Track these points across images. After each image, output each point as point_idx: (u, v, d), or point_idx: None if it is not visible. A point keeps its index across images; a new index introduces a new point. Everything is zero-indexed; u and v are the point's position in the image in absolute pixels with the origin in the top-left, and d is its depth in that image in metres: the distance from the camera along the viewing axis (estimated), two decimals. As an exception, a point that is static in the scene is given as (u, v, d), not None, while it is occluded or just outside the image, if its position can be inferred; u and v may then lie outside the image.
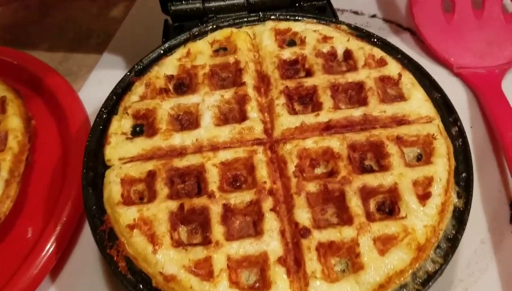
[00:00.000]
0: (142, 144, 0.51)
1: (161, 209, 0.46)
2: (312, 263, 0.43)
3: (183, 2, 0.64)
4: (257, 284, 0.44)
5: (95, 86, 0.72)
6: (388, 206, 0.47)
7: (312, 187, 0.47)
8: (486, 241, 0.57)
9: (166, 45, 0.60)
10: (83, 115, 0.66)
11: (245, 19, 0.62)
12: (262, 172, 0.48)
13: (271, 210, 0.46)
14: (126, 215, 0.46)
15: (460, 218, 0.47)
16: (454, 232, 0.46)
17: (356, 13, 0.80)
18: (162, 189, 0.48)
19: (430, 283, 0.43)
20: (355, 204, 0.46)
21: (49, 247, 0.54)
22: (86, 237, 0.59)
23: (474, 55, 0.71)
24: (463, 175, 0.49)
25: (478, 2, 0.73)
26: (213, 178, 0.48)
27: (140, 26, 0.79)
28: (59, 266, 0.57)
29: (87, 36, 0.80)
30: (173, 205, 0.47)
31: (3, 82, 0.66)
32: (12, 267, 0.54)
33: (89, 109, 0.67)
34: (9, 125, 0.61)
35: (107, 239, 0.47)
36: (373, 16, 0.79)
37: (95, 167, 0.51)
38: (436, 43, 0.72)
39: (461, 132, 0.52)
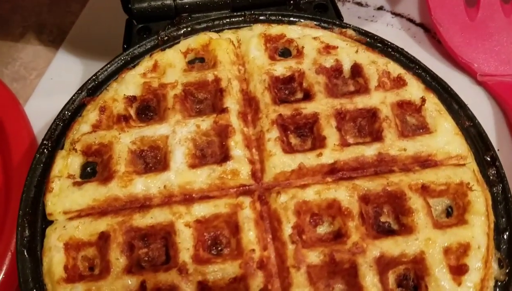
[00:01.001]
0: (93, 192, 0.40)
1: (115, 289, 0.35)
2: None
3: (150, -2, 0.51)
4: None
5: (45, 96, 0.59)
6: (412, 280, 0.37)
7: (314, 257, 0.36)
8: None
9: (127, 54, 0.48)
10: (29, 138, 0.54)
11: (227, 20, 0.50)
12: (250, 236, 0.37)
13: (262, 290, 0.35)
14: (70, 298, 0.35)
15: (504, 294, 0.36)
16: (496, 315, 0.36)
17: (360, 4, 0.68)
18: (118, 259, 0.37)
19: None
20: (370, 282, 0.35)
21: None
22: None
23: (501, 60, 0.60)
24: (505, 235, 0.39)
25: (507, -4, 0.62)
26: (185, 243, 0.37)
27: (100, 21, 0.65)
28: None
29: (37, 31, 0.66)
30: (132, 282, 0.36)
31: None
32: None
33: (38, 126, 0.55)
34: None
35: (47, 326, 0.36)
36: (380, 8, 0.67)
37: (34, 221, 0.40)
38: (457, 44, 0.61)
39: (500, 176, 0.41)
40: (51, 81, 0.61)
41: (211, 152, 0.43)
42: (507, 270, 0.37)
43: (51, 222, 0.39)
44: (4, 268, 0.45)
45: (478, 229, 0.37)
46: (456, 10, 0.62)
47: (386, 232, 0.38)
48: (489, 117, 0.58)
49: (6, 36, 0.66)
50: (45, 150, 0.43)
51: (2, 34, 0.66)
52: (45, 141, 0.44)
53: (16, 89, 0.60)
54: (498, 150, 0.55)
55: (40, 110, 0.56)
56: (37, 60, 0.64)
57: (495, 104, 0.59)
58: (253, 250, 0.37)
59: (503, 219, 0.40)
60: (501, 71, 0.60)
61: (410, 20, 0.66)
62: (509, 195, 0.40)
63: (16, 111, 0.56)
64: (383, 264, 0.36)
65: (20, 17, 0.68)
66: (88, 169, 0.42)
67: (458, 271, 0.36)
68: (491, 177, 0.41)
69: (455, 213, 0.39)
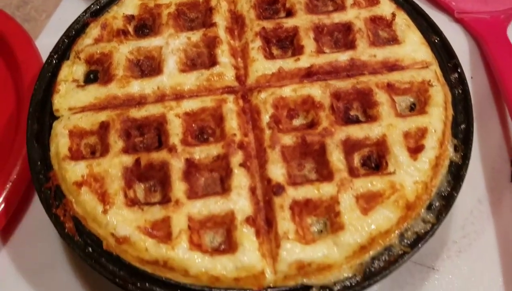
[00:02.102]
0: (95, 92, 0.45)
1: (114, 164, 0.40)
2: (284, 223, 0.37)
3: None
4: (222, 247, 0.38)
5: (54, 33, 0.64)
6: (375, 160, 0.41)
7: (288, 139, 0.41)
8: (483, 200, 0.52)
9: (128, -18, 0.53)
10: (39, 65, 0.59)
11: (219, -45, 0.55)
12: (232, 123, 0.42)
13: (241, 165, 0.40)
14: (74, 171, 0.40)
15: (457, 173, 0.41)
16: (449, 189, 0.40)
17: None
18: (116, 142, 0.42)
19: (419, 245, 0.38)
20: (336, 158, 0.40)
21: (-3, 208, 0.49)
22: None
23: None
24: (462, 126, 0.43)
25: None
26: (175, 129, 0.42)
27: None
28: (10, 229, 0.51)
29: (47, -22, 0.72)
30: (128, 159, 0.41)
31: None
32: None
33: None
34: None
35: (53, 198, 0.41)
36: (367, -42, 0.71)
37: (42, 118, 0.45)
38: (437, -15, 0.65)
39: (461, 79, 0.46)
40: (59, 21, 0.66)
41: (200, 61, 0.47)
42: (462, 154, 0.42)
43: (57, 118, 0.45)
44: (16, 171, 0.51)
45: (435, 117, 0.42)
46: (436, -45, 0.66)
47: (353, 122, 0.43)
48: (465, 49, 0.62)
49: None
50: (53, 61, 0.48)
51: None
52: (52, 54, 0.49)
53: (27, 28, 0.65)
54: (472, 78, 0.60)
55: (49, 45, 0.61)
56: (46, 3, 0.69)
57: (471, 38, 0.63)
58: (235, 134, 0.41)
59: (462, 115, 0.44)
60: (477, 9, 0.64)
61: (395, -32, 0.70)
62: (468, 96, 0.45)
63: (27, 43, 0.61)
64: (349, 146, 0.41)
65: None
66: (91, 75, 0.47)
67: (416, 150, 0.41)
68: (453, 80, 0.46)
69: (417, 107, 0.44)
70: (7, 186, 0.50)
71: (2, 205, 0.49)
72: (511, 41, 0.60)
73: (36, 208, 0.53)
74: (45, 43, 0.63)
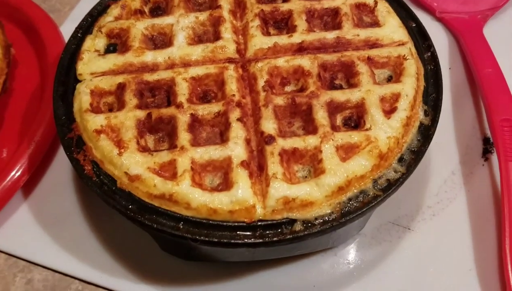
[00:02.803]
0: (114, 60, 0.51)
1: (128, 117, 0.47)
2: (274, 166, 0.43)
3: None
4: (220, 187, 0.44)
5: (76, 21, 0.71)
6: (355, 121, 0.47)
7: (280, 100, 0.47)
8: (456, 172, 0.58)
9: (145, -29, 0.60)
10: (62, 46, 0.66)
11: (226, -48, 0.62)
12: (232, 86, 0.48)
13: (238, 119, 0.46)
14: (94, 121, 0.47)
15: (426, 133, 0.47)
16: (419, 145, 0.46)
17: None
18: (131, 100, 0.48)
19: (390, 190, 0.43)
20: (321, 116, 0.46)
21: (22, 163, 0.55)
22: (60, 159, 0.59)
23: (457, 1, 0.71)
24: (433, 95, 0.49)
25: None
26: (182, 90, 0.48)
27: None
28: (32, 185, 0.57)
29: (71, -25, 0.79)
30: (141, 113, 0.47)
31: (-16, 13, 0.66)
32: (-15, 184, 0.55)
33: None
34: (-13, 50, 0.61)
35: (75, 145, 0.47)
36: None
37: (67, 81, 0.52)
38: (420, -12, 0.72)
39: (434, 57, 0.52)
40: (81, 12, 0.72)
41: (206, 37, 0.54)
42: (431, 118, 0.48)
43: (80, 81, 0.51)
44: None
45: (408, 85, 0.48)
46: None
47: (337, 88, 0.49)
48: (445, 44, 0.69)
49: (44, -21, 0.79)
50: (77, 35, 0.55)
51: (42, -23, 0.80)
52: (77, 29, 0.56)
53: (53, 18, 0.73)
54: (450, 68, 0.67)
55: (71, 31, 0.68)
56: (70, -2, 0.77)
57: (450, 35, 0.70)
58: (234, 95, 0.48)
59: (432, 87, 0.50)
60: (457, 9, 0.71)
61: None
62: (439, 71, 0.51)
63: (52, 28, 0.68)
64: (333, 107, 0.47)
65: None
66: (111, 47, 0.54)
67: (390, 111, 0.47)
68: (426, 58, 0.52)
69: (393, 79, 0.50)
70: (31, 145, 0.57)
71: (26, 163, 0.56)
72: (485, 38, 0.67)
73: (55, 168, 0.59)
74: (67, 30, 0.70)
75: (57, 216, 0.55)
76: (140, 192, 0.44)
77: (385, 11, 0.54)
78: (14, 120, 0.61)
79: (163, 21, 0.54)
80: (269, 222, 0.42)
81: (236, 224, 0.42)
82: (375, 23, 0.54)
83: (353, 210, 0.43)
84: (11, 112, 0.62)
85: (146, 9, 0.56)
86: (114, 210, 0.44)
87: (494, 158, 0.58)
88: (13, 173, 0.55)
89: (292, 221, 0.43)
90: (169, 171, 0.44)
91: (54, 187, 0.57)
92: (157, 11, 0.57)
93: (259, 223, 0.43)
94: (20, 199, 0.56)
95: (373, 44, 0.52)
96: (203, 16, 0.54)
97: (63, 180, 0.58)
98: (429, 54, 0.52)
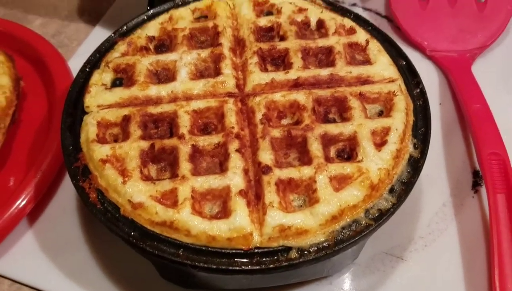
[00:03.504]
0: (120, 93, 0.54)
1: (133, 147, 0.49)
2: (271, 195, 0.45)
3: (169, -26, 0.68)
4: (219, 215, 0.46)
5: (83, 56, 0.74)
6: (347, 153, 0.50)
7: (276, 132, 0.50)
8: (447, 204, 0.60)
9: (150, 12, 0.64)
10: (70, 80, 0.69)
11: (227, -7, 0.66)
12: (231, 119, 0.51)
13: (237, 150, 0.49)
14: (100, 151, 0.49)
15: (415, 165, 0.49)
16: (409, 177, 0.48)
17: (337, 1, 0.84)
18: (136, 131, 0.51)
19: (382, 220, 0.45)
20: (315, 148, 0.48)
21: (28, 192, 0.57)
22: (65, 187, 0.62)
23: (446, 39, 0.75)
24: (422, 129, 0.52)
25: (452, -10, 0.78)
26: (184, 123, 0.51)
27: (131, 7, 0.83)
28: (38, 212, 0.59)
29: (79, 14, 0.84)
30: (145, 144, 0.49)
31: (-4, 47, 0.70)
32: (-9, 212, 0.57)
33: (77, 77, 0.70)
34: (-2, 83, 0.64)
35: (81, 174, 0.49)
36: (353, 4, 0.83)
37: (75, 113, 0.54)
38: (411, 28, 0.76)
39: (423, 94, 0.55)
40: (88, 47, 0.76)
41: (207, 73, 0.57)
42: (420, 151, 0.50)
43: (87, 113, 0.54)
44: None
45: (398, 119, 0.50)
46: (411, 3, 0.77)
47: (331, 122, 0.52)
48: (435, 80, 0.72)
49: (54, 16, 0.83)
50: (85, 69, 0.58)
51: (51, 15, 0.83)
52: (86, 64, 0.59)
53: (61, 52, 0.76)
54: (440, 104, 0.70)
55: (78, 66, 0.72)
56: (78, 34, 0.80)
57: (440, 72, 0.73)
58: (233, 127, 0.50)
59: (421, 121, 0.53)
60: (446, 48, 0.74)
61: (377, 13, 0.82)
62: (428, 106, 0.54)
63: (60, 62, 0.71)
64: (326, 140, 0.50)
65: (66, 4, 0.85)
66: (117, 82, 0.57)
67: (380, 144, 0.49)
68: (415, 94, 0.55)
69: (384, 114, 0.53)
70: (38, 174, 0.59)
71: (32, 191, 0.58)
72: (474, 75, 0.70)
73: (60, 197, 0.61)
74: (75, 64, 0.73)
75: (61, 243, 0.57)
76: (142, 219, 0.46)
77: (376, 50, 0.57)
78: (22, 150, 0.64)
79: (167, 57, 0.57)
80: (266, 250, 0.44)
81: (234, 251, 0.44)
82: (367, 61, 0.57)
83: (346, 238, 0.45)
84: (19, 142, 0.65)
85: (151, 46, 0.60)
86: (117, 236, 0.46)
87: (483, 190, 0.60)
88: (19, 201, 0.57)
89: (288, 249, 0.44)
90: (170, 199, 0.46)
91: (59, 215, 0.59)
92: (161, 48, 0.60)
93: (256, 250, 0.44)
94: (25, 226, 0.58)
95: (364, 81, 0.55)
96: (204, 53, 0.57)
97: (67, 208, 0.59)
98: (418, 90, 0.55)
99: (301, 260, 0.43)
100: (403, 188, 0.48)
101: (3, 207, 0.56)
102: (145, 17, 0.63)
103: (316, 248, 0.44)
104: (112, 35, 0.62)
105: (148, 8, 0.66)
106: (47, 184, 0.59)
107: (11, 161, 0.63)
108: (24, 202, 0.57)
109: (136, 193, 0.46)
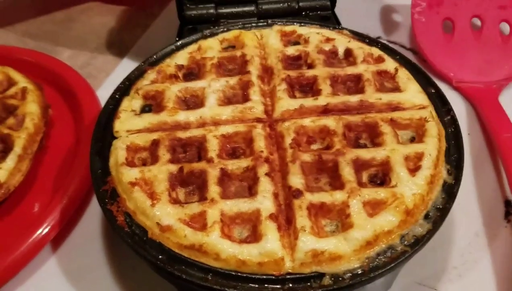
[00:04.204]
0: (149, 119, 0.54)
1: (161, 171, 0.49)
2: (302, 220, 0.44)
3: (198, 7, 0.69)
4: (249, 239, 0.45)
5: (111, 87, 0.75)
6: (380, 178, 0.49)
7: (307, 156, 0.49)
8: (480, 234, 0.58)
9: (179, 42, 0.65)
10: (98, 108, 0.70)
11: (254, 24, 0.67)
12: (260, 143, 0.51)
13: (266, 174, 0.48)
14: (129, 174, 0.49)
15: (450, 191, 0.48)
16: (443, 203, 0.47)
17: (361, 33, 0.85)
18: (164, 155, 0.50)
19: (418, 246, 0.44)
20: (347, 172, 0.47)
21: (52, 218, 0.57)
22: (90, 213, 0.61)
23: (472, 71, 0.75)
24: (454, 156, 0.51)
25: (477, 24, 0.78)
26: (213, 147, 0.51)
27: (159, 39, 0.84)
28: (61, 239, 0.58)
29: (107, 46, 0.86)
30: (173, 167, 0.49)
31: (26, 77, 0.71)
32: (16, 237, 0.56)
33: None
34: (27, 110, 0.65)
35: (109, 197, 0.49)
36: (378, 37, 0.84)
37: (104, 138, 0.54)
38: (437, 60, 0.76)
39: (454, 120, 0.54)
40: (116, 78, 0.77)
41: (235, 99, 0.57)
42: (454, 177, 0.49)
43: (117, 138, 0.54)
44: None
45: (430, 145, 0.49)
46: (436, 36, 0.78)
47: (362, 148, 0.51)
48: (463, 111, 0.71)
49: (83, 49, 0.85)
50: (115, 96, 0.59)
51: (80, 48, 0.86)
52: (116, 91, 0.59)
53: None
54: (468, 134, 0.69)
55: (106, 96, 0.72)
56: (106, 65, 0.82)
57: (467, 103, 0.73)
58: (262, 151, 0.50)
59: (454, 148, 0.52)
60: (473, 79, 0.74)
61: (402, 46, 0.82)
62: (459, 133, 0.53)
63: (88, 92, 0.73)
64: (358, 165, 0.49)
65: (95, 37, 0.88)
66: (146, 108, 0.57)
67: (414, 170, 0.48)
68: (446, 121, 0.54)
69: (416, 139, 0.52)
70: (63, 200, 0.58)
71: (57, 217, 0.57)
72: (501, 106, 0.69)
73: (84, 224, 0.61)
74: (102, 95, 0.75)
75: (84, 269, 0.56)
76: (170, 243, 0.45)
77: (405, 78, 0.57)
78: (48, 177, 0.64)
79: (196, 84, 0.58)
80: (298, 276, 0.43)
81: (264, 276, 0.43)
82: (396, 89, 0.57)
83: (382, 265, 0.43)
84: (45, 168, 0.65)
85: (180, 74, 0.60)
86: (144, 260, 0.45)
87: (517, 220, 0.58)
88: (43, 227, 0.56)
89: (321, 275, 0.43)
90: (199, 222, 0.45)
91: (83, 241, 0.58)
92: (190, 76, 0.61)
93: (288, 276, 0.43)
94: (48, 251, 0.57)
95: (395, 107, 0.54)
96: (233, 80, 0.58)
97: (92, 234, 0.59)
98: (449, 117, 0.54)
99: (335, 286, 0.42)
100: (438, 214, 0.46)
101: (27, 232, 0.55)
102: (174, 47, 0.64)
103: (350, 275, 0.43)
104: (142, 64, 0.63)
105: (177, 39, 0.68)
106: (72, 210, 0.59)
107: (37, 187, 0.63)
108: (48, 228, 0.56)
109: (164, 215, 0.45)
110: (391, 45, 0.81)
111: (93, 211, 0.61)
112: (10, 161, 0.60)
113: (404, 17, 0.86)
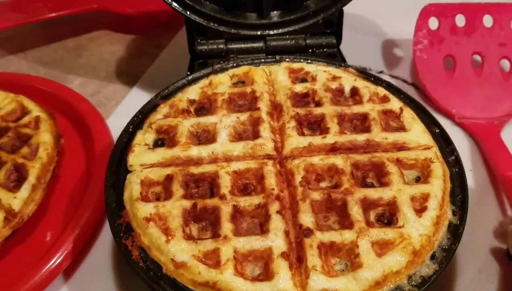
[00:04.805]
0: (162, 153, 0.56)
1: (175, 206, 0.50)
2: (313, 259, 0.46)
3: (209, 42, 0.72)
4: (261, 277, 0.46)
5: (121, 116, 0.77)
6: (387, 217, 0.50)
7: (316, 195, 0.51)
8: (483, 271, 0.59)
9: (191, 77, 0.67)
10: (108, 138, 0.72)
11: (263, 60, 0.69)
12: (271, 180, 0.52)
13: (277, 212, 0.49)
14: (144, 209, 0.50)
15: (455, 232, 0.49)
16: (449, 243, 0.49)
17: (364, 69, 0.87)
18: (178, 190, 0.52)
19: (425, 286, 0.45)
20: (356, 212, 0.49)
21: (64, 248, 0.58)
22: (103, 243, 0.62)
23: (474, 107, 0.77)
24: (459, 196, 0.52)
25: (478, 61, 0.80)
26: (225, 183, 0.52)
27: (167, 70, 0.87)
28: (73, 269, 0.59)
29: (117, 75, 0.88)
30: (187, 203, 0.50)
31: (39, 105, 0.73)
32: (28, 267, 0.57)
33: (115, 136, 0.73)
34: (40, 139, 0.67)
35: (124, 231, 0.50)
36: (380, 72, 0.86)
37: (118, 171, 0.56)
38: (439, 96, 0.78)
39: (458, 161, 0.56)
40: (126, 107, 0.80)
41: (246, 135, 0.59)
42: (459, 217, 0.51)
43: (131, 172, 0.55)
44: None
45: (436, 186, 0.51)
46: (438, 72, 0.80)
47: (369, 187, 0.53)
48: (465, 147, 0.73)
49: (93, 77, 0.87)
50: (129, 129, 0.61)
51: (90, 76, 0.88)
52: (129, 124, 0.61)
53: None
54: (470, 170, 0.70)
55: (116, 125, 0.74)
56: (115, 94, 0.84)
57: (469, 139, 0.74)
58: (273, 189, 0.51)
59: (458, 188, 0.53)
60: (475, 115, 0.76)
61: (404, 81, 0.85)
62: (464, 173, 0.55)
63: (99, 121, 0.74)
64: (366, 204, 0.50)
65: (105, 65, 0.90)
66: (159, 142, 0.59)
67: (420, 210, 0.50)
68: (450, 161, 0.56)
69: (421, 180, 0.54)
70: (76, 230, 0.60)
71: (69, 247, 0.58)
72: (504, 142, 0.71)
73: (95, 255, 0.61)
74: (113, 124, 0.76)
75: (94, 302, 0.57)
76: (184, 279, 0.46)
77: (410, 118, 0.59)
78: (60, 206, 0.65)
79: (208, 120, 0.59)
80: (308, 314, 0.44)
81: (276, 314, 0.44)
82: (401, 128, 0.59)
83: (390, 306, 0.44)
84: (57, 198, 0.66)
85: (192, 109, 0.62)
86: (158, 296, 0.46)
87: (519, 258, 0.60)
88: (56, 257, 0.57)
89: (331, 314, 0.44)
90: (212, 259, 0.47)
91: (94, 272, 0.59)
92: (202, 110, 0.62)
93: (298, 315, 0.44)
94: (60, 282, 0.58)
95: (400, 147, 0.56)
96: (243, 116, 0.60)
97: (102, 266, 0.60)
98: (453, 157, 0.56)
99: (345, 326, 0.43)
100: (444, 255, 0.48)
101: (40, 263, 0.56)
102: (186, 82, 0.66)
103: (359, 315, 0.44)
104: (154, 97, 0.65)
105: (188, 73, 0.70)
106: (84, 240, 0.60)
107: (49, 216, 0.64)
108: (61, 258, 0.57)
109: (179, 252, 0.47)
110: (393, 80, 0.85)
111: (104, 242, 0.62)
112: (24, 191, 0.61)
113: (405, 52, 0.89)
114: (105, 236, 0.62)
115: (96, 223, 0.62)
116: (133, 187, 0.53)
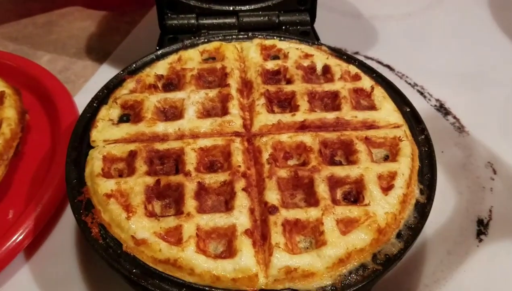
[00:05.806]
0: (126, 129, 0.54)
1: (138, 183, 0.49)
2: (277, 236, 0.45)
3: (179, 16, 0.69)
4: (223, 255, 0.45)
5: (90, 93, 0.74)
6: (354, 196, 0.50)
7: (283, 172, 0.50)
8: (452, 252, 0.59)
9: (160, 52, 0.65)
10: (75, 115, 0.69)
11: (235, 37, 0.68)
12: (238, 158, 0.51)
13: (243, 189, 0.48)
14: (105, 185, 0.49)
15: (422, 211, 0.49)
16: (416, 222, 0.48)
17: (339, 49, 0.86)
18: (141, 166, 0.50)
19: (390, 265, 0.45)
20: (322, 189, 0.48)
21: (26, 226, 0.56)
22: (64, 222, 0.60)
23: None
24: (427, 175, 0.52)
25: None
26: (191, 160, 0.51)
27: (139, 47, 0.84)
28: (35, 247, 0.58)
29: (87, 52, 0.85)
30: (150, 180, 0.49)
31: (4, 81, 0.70)
32: (-12, 245, 0.55)
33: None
34: (4, 115, 0.64)
35: (84, 208, 0.48)
36: (356, 53, 0.85)
37: (80, 147, 0.54)
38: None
39: (428, 140, 0.55)
40: (95, 84, 0.77)
41: (214, 112, 0.58)
42: (426, 196, 0.50)
43: (93, 148, 0.54)
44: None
45: (404, 164, 0.51)
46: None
47: (337, 164, 0.52)
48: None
49: (62, 54, 0.85)
50: (93, 104, 0.59)
51: (60, 53, 0.85)
52: (93, 99, 0.59)
53: (67, 88, 0.77)
54: (442, 152, 0.70)
55: (84, 102, 0.72)
56: (85, 71, 0.81)
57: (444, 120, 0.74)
58: (240, 166, 0.50)
59: (427, 167, 0.53)
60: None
61: (379, 62, 0.84)
62: (433, 153, 0.54)
63: (66, 97, 0.72)
64: (333, 182, 0.50)
65: (75, 42, 0.87)
66: (124, 118, 0.57)
67: (387, 188, 0.49)
68: (420, 141, 0.55)
69: (390, 158, 0.53)
70: (38, 208, 0.58)
71: (31, 225, 0.57)
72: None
73: (58, 232, 0.60)
74: (80, 100, 0.74)
75: (57, 279, 0.55)
76: (145, 256, 0.45)
77: (381, 96, 0.58)
78: (23, 183, 0.63)
79: (175, 95, 0.58)
80: (271, 292, 0.43)
81: (238, 292, 0.43)
82: (372, 107, 0.58)
83: (354, 283, 0.44)
84: (20, 175, 0.64)
85: (159, 84, 0.60)
86: (117, 273, 0.45)
87: (487, 239, 0.60)
88: (17, 235, 0.55)
89: (293, 292, 0.43)
90: (174, 237, 0.45)
91: (56, 250, 0.58)
92: (170, 86, 0.61)
93: (261, 292, 0.43)
94: (21, 260, 0.56)
95: (370, 126, 0.55)
96: (212, 93, 0.58)
97: (65, 244, 0.58)
98: (423, 137, 0.56)
99: (307, 303, 0.42)
100: (410, 233, 0.47)
101: (1, 239, 0.55)
102: (154, 57, 0.64)
103: (322, 292, 0.43)
104: (121, 72, 0.63)
105: (157, 48, 0.68)
106: (46, 218, 0.58)
107: (11, 193, 0.62)
108: (22, 236, 0.55)
109: (140, 229, 0.45)
110: (368, 61, 0.84)
111: (68, 220, 0.60)
112: (-15, 167, 0.59)
113: (381, 33, 0.88)
114: (69, 214, 0.61)
115: (59, 201, 0.60)
116: (94, 162, 0.51)
